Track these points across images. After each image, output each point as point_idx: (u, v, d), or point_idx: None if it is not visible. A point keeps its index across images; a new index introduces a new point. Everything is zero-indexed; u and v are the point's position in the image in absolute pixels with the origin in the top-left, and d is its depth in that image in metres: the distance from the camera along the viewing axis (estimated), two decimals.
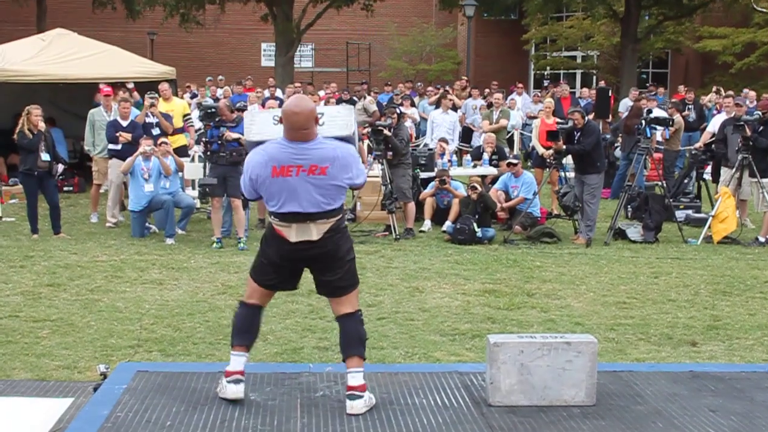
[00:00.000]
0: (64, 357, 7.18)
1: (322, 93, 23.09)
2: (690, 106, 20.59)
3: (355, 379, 5.36)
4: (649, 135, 13.63)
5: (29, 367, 6.94)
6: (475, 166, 15.57)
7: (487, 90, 24.62)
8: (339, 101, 21.84)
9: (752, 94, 22.10)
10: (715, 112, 21.03)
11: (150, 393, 5.54)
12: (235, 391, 5.39)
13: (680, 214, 13.95)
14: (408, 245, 12.28)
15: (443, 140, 15.86)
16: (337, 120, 5.40)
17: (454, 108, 20.10)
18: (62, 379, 6.65)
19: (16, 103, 14.64)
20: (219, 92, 24.44)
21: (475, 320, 8.39)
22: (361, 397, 5.34)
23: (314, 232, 5.26)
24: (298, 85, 26.10)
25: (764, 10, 11.80)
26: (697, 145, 16.11)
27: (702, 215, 14.02)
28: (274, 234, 5.38)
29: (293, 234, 5.27)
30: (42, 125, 12.24)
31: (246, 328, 5.50)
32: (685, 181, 15.80)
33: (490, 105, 21.51)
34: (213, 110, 12.05)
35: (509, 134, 21.09)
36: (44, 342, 7.59)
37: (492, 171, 15.37)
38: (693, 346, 7.69)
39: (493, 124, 18.36)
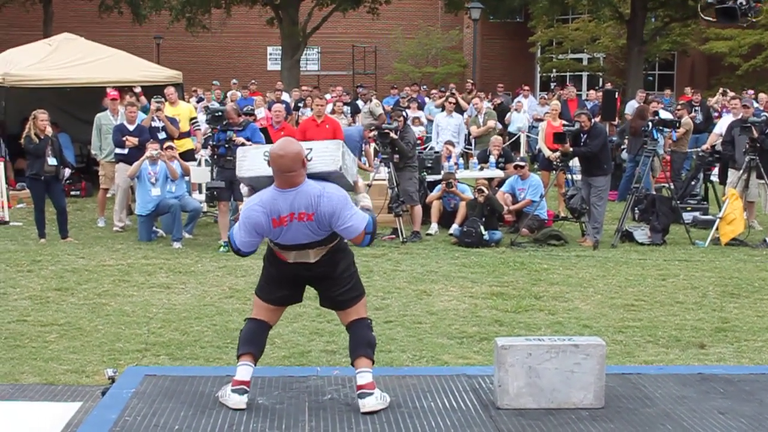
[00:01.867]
0: (72, 361, 7.19)
1: (328, 96, 23.09)
2: (697, 108, 20.56)
3: (364, 378, 5.38)
4: (656, 137, 13.60)
5: (37, 371, 6.95)
6: (481, 169, 15.56)
7: (491, 93, 24.64)
8: (354, 102, 21.92)
9: (763, 96, 22.07)
10: (716, 114, 21.04)
11: (158, 397, 5.53)
12: (237, 401, 5.36)
13: (687, 216, 13.92)
14: (415, 248, 12.27)
15: (449, 143, 15.86)
16: (325, 155, 5.36)
17: (459, 111, 20.12)
18: (70, 384, 6.66)
19: (24, 108, 14.69)
20: (237, 94, 24.29)
21: (482, 323, 8.38)
22: (371, 394, 5.35)
23: (311, 255, 5.36)
24: (305, 89, 26.15)
25: (710, 18, 11.88)
26: (704, 147, 16.09)
27: (709, 217, 13.99)
28: (273, 255, 5.47)
29: (292, 256, 5.37)
30: (49, 130, 12.27)
31: (251, 339, 5.50)
32: (693, 183, 15.78)
33: (498, 105, 21.58)
34: (220, 114, 12.07)
35: (515, 137, 21.12)
36: (52, 346, 7.60)
37: (499, 174, 15.36)
38: (701, 349, 7.67)
39: (481, 128, 18.40)
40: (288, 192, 5.18)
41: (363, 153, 15.51)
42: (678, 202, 13.78)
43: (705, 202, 15.12)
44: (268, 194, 5.25)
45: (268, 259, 5.55)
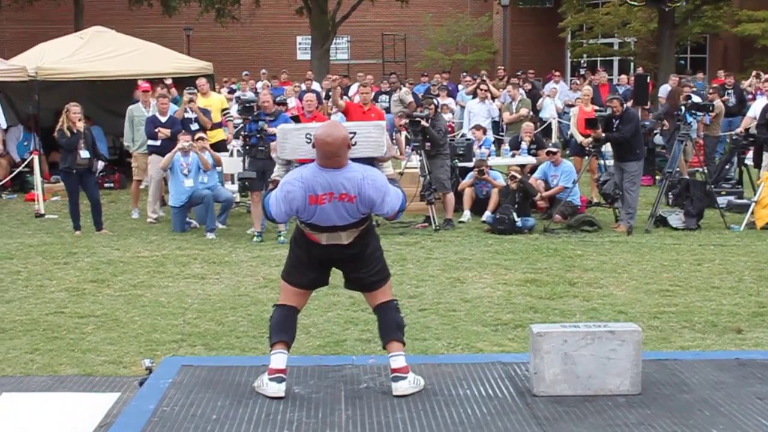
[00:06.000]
0: (109, 352, 7.25)
1: (355, 87, 23.04)
2: (730, 91, 20.37)
3: (397, 361, 5.43)
4: (689, 121, 13.49)
5: (76, 362, 7.01)
6: (513, 156, 15.51)
7: (523, 80, 24.46)
8: (378, 94, 21.79)
9: None
10: (749, 97, 20.82)
11: (195, 387, 5.57)
12: (276, 389, 5.39)
13: (722, 201, 13.81)
14: (448, 236, 12.26)
15: (477, 127, 15.77)
16: (370, 140, 5.41)
17: (492, 97, 20.04)
18: (108, 374, 6.72)
19: (56, 102, 14.78)
20: (259, 85, 24.47)
21: (517, 310, 8.37)
22: (404, 378, 5.40)
23: (344, 237, 5.38)
24: (335, 78, 26.13)
25: (637, 3, 11.89)
26: (738, 130, 15.95)
27: (744, 201, 13.87)
28: (304, 237, 5.47)
29: (324, 238, 5.38)
30: (80, 124, 12.32)
31: (283, 327, 5.52)
32: (727, 166, 15.64)
33: (530, 90, 21.48)
34: (251, 104, 12.10)
35: (547, 123, 21.03)
36: (90, 337, 7.67)
37: (531, 160, 15.30)
38: (738, 334, 7.62)
39: (513, 115, 18.33)
40: (329, 171, 5.21)
41: (394, 141, 15.49)
42: (712, 186, 13.67)
43: (740, 186, 14.98)
44: (309, 171, 5.26)
45: (296, 242, 5.56)
